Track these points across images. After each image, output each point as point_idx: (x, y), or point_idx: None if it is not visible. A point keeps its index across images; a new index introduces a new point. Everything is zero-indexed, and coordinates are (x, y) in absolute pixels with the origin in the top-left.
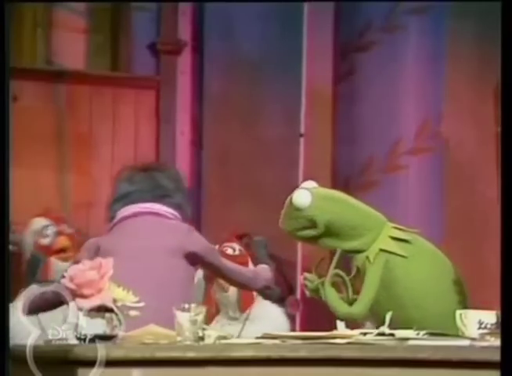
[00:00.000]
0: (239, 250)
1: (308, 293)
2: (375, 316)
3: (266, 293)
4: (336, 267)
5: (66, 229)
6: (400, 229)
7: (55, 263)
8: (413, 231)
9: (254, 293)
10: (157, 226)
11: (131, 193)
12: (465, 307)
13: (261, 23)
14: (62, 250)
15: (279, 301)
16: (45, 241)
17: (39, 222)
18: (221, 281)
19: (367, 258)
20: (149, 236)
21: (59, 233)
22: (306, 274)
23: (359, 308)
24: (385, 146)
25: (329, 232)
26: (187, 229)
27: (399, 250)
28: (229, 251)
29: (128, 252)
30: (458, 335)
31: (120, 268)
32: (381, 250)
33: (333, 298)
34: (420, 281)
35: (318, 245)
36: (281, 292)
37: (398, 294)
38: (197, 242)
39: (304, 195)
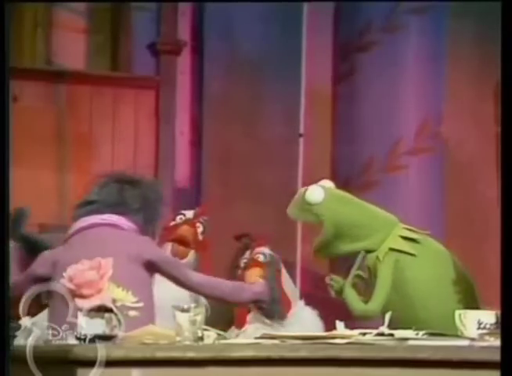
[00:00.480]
0: (270, 255)
1: (332, 293)
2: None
3: (259, 307)
4: (358, 269)
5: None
6: (411, 230)
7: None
8: (424, 232)
9: (291, 300)
10: (115, 236)
11: (95, 203)
12: (476, 308)
13: (260, 24)
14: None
15: (278, 317)
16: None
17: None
18: None
19: (377, 257)
20: (107, 245)
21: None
22: (332, 276)
23: (374, 305)
24: (385, 146)
25: (339, 232)
26: (144, 238)
27: (408, 248)
28: (261, 258)
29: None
30: (457, 335)
31: None
32: (391, 249)
33: (351, 297)
34: (429, 282)
35: (327, 246)
36: (281, 308)
37: (408, 294)
38: (154, 251)
39: (318, 192)
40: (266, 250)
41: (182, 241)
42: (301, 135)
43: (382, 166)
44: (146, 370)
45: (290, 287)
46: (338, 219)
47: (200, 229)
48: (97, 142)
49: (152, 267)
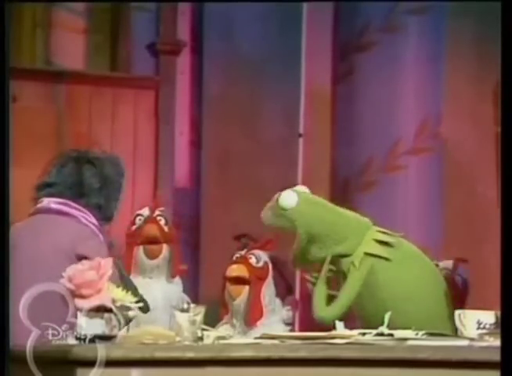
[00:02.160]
0: (265, 262)
1: (310, 289)
2: (360, 319)
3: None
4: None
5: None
6: (384, 233)
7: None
8: (398, 235)
9: (264, 307)
10: (54, 225)
11: (55, 185)
12: (449, 311)
13: (260, 23)
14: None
15: None
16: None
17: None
18: (230, 289)
19: (352, 262)
20: (42, 237)
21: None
22: (314, 273)
23: (331, 313)
24: (384, 147)
25: (313, 238)
26: (81, 231)
27: (384, 253)
28: (252, 260)
29: (23, 252)
30: (457, 335)
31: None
32: (366, 253)
33: (317, 297)
34: (404, 286)
35: (304, 253)
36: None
37: (381, 298)
38: (88, 245)
39: (291, 196)
40: (264, 255)
41: (151, 241)
42: (300, 136)
43: (381, 166)
44: (145, 370)
45: (270, 299)
46: (312, 224)
47: (162, 222)
48: (96, 142)
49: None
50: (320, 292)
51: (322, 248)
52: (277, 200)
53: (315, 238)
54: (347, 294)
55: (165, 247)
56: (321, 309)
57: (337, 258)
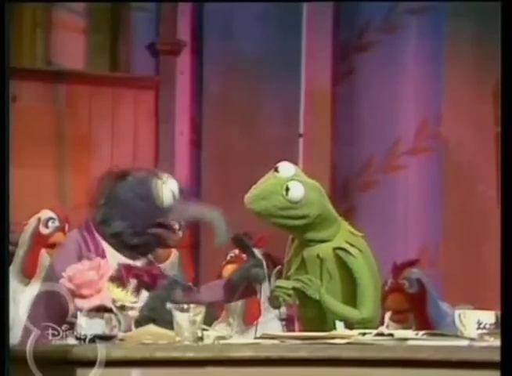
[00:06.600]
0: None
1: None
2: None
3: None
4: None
5: (67, 229)
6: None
7: (45, 256)
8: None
9: (261, 309)
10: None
11: None
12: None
13: (260, 24)
14: (55, 245)
15: None
16: (45, 231)
17: (47, 213)
18: None
19: (340, 249)
20: None
21: (60, 229)
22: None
23: (368, 311)
24: (384, 147)
25: (313, 223)
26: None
27: (357, 244)
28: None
29: None
30: (457, 335)
31: None
32: (347, 242)
33: (337, 304)
34: (372, 274)
35: (288, 231)
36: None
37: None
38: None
39: (298, 188)
40: (258, 253)
41: None
42: (300, 135)
43: (381, 166)
44: (145, 370)
45: (266, 297)
46: (319, 211)
47: (175, 226)
48: (96, 143)
49: None
50: (330, 300)
51: (313, 233)
52: (283, 195)
53: (315, 223)
54: (363, 283)
55: (174, 253)
56: (355, 313)
57: (309, 243)
